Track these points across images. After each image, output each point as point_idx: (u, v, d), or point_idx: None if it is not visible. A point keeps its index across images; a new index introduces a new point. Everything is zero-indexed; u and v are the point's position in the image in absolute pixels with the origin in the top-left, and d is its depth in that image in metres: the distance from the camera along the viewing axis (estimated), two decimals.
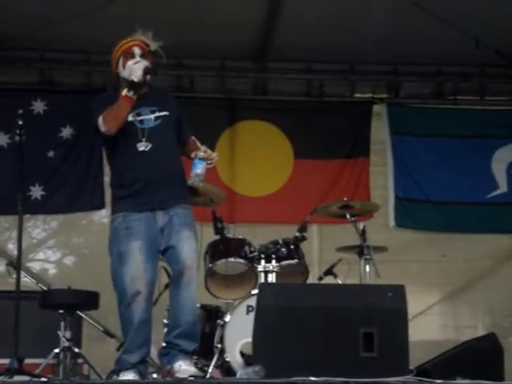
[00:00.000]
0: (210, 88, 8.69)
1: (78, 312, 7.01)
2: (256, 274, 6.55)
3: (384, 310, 4.99)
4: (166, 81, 8.50)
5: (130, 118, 5.30)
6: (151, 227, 5.24)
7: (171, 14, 7.68)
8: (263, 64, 8.66)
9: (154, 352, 6.70)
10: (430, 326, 8.67)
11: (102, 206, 8.36)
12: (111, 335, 7.33)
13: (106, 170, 8.23)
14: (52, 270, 8.60)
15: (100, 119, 5.23)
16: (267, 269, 6.48)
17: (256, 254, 6.56)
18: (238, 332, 6.07)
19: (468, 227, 8.63)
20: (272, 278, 6.47)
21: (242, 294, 6.51)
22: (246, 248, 6.58)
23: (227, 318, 6.25)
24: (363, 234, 6.89)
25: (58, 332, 6.68)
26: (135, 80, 5.21)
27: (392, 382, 4.47)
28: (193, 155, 5.31)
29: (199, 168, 5.25)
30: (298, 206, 8.14)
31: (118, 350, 6.47)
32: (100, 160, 8.36)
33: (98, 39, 8.03)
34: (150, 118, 5.35)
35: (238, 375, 5.23)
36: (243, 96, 8.75)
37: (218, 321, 6.37)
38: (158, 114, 5.37)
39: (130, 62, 5.31)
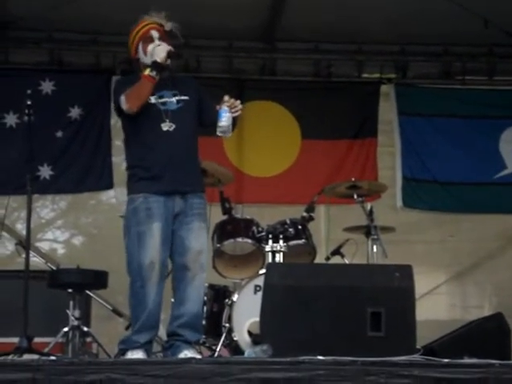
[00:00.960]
0: (218, 68, 8.67)
1: (87, 291, 7.05)
2: (264, 254, 6.58)
3: (391, 290, 5.02)
4: (173, 60, 8.51)
5: (153, 101, 5.30)
6: (168, 210, 5.24)
7: None
8: (271, 44, 8.64)
9: (162, 331, 6.75)
10: (437, 305, 8.68)
11: (110, 186, 8.38)
12: (120, 314, 7.37)
13: (115, 150, 8.34)
14: (60, 250, 8.62)
15: (122, 97, 5.22)
16: (275, 249, 6.51)
17: (264, 234, 6.58)
18: (246, 311, 6.11)
19: (475, 207, 8.62)
20: (279, 257, 6.50)
21: (250, 274, 6.54)
22: (254, 228, 6.60)
23: (235, 298, 6.29)
24: (370, 214, 6.91)
25: (67, 311, 6.72)
26: (158, 60, 5.20)
27: (399, 361, 4.50)
28: (217, 107, 5.27)
29: (225, 117, 5.20)
30: (306, 187, 8.15)
31: (126, 328, 6.52)
32: (108, 140, 8.37)
33: (106, 19, 8.05)
34: (172, 100, 5.35)
35: (245, 354, 5.26)
36: (251, 76, 8.73)
37: (226, 300, 6.41)
38: (179, 97, 5.37)
39: (150, 46, 5.29)
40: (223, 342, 6.20)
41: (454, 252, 8.64)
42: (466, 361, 4.96)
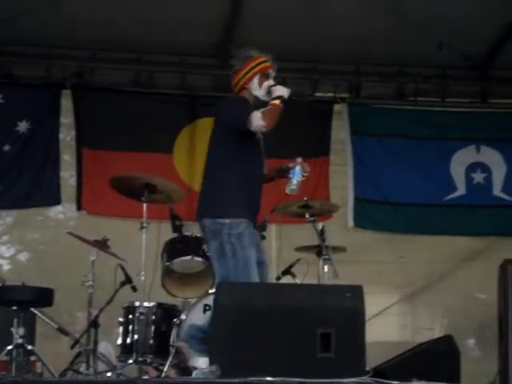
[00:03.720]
0: (170, 84, 8.61)
1: (32, 309, 6.91)
2: (214, 273, 6.50)
3: (342, 311, 4.97)
4: (124, 76, 8.45)
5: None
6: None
7: (133, 9, 7.64)
8: (224, 61, 8.59)
9: (109, 350, 6.64)
10: (389, 326, 8.69)
11: (58, 201, 8.28)
12: (65, 333, 7.23)
13: (63, 165, 8.26)
14: (6, 266, 8.46)
15: (258, 114, 5.34)
16: None
17: None
18: None
19: (426, 229, 8.65)
20: None
21: (200, 293, 6.48)
22: (204, 246, 6.53)
23: (183, 317, 6.21)
24: (322, 234, 6.87)
25: (11, 329, 6.58)
26: (285, 97, 5.43)
27: (348, 383, 4.45)
28: (291, 165, 5.57)
29: (298, 177, 5.53)
30: None
31: (71, 347, 6.41)
32: (57, 155, 8.28)
33: (57, 34, 7.98)
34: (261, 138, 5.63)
35: (193, 375, 5.20)
36: (204, 93, 8.69)
37: (175, 320, 6.33)
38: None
39: (266, 83, 5.52)
40: (171, 362, 6.11)
41: (406, 273, 8.65)
42: (415, 383, 4.95)
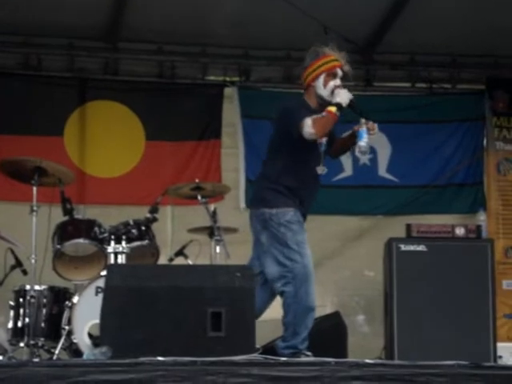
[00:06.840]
0: (59, 67, 8.51)
1: None
2: (106, 256, 6.53)
3: (232, 290, 5.08)
4: (12, 59, 8.33)
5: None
6: None
7: None
8: (114, 44, 8.56)
9: (1, 335, 6.58)
10: (281, 305, 8.80)
11: None
12: None
13: None
14: None
15: (308, 121, 5.36)
16: (117, 250, 6.48)
17: (106, 235, 6.55)
18: (87, 313, 6.07)
19: (316, 209, 8.72)
20: (122, 259, 6.48)
21: (92, 276, 6.49)
22: (96, 229, 6.56)
23: (75, 300, 6.22)
24: (214, 215, 6.95)
25: None
26: (343, 105, 5.47)
27: (238, 361, 4.56)
28: (356, 127, 5.56)
29: (365, 138, 5.54)
30: (150, 188, 8.12)
31: None
32: None
33: None
34: (324, 142, 5.64)
35: (84, 356, 5.22)
36: (93, 76, 8.63)
37: (66, 302, 6.34)
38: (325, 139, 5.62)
39: (332, 83, 5.55)
40: (62, 344, 6.11)
41: None
42: (303, 359, 5.10)
